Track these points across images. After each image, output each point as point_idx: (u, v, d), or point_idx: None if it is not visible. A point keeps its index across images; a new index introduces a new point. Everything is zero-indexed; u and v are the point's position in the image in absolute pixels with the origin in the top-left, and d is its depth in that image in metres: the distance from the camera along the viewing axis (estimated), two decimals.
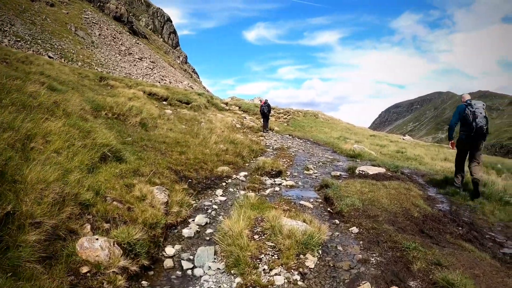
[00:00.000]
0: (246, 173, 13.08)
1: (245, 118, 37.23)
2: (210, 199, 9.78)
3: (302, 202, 9.59)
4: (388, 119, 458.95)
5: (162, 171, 10.03)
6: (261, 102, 33.49)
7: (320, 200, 10.00)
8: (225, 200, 9.80)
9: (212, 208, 9.06)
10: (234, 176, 12.66)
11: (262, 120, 31.16)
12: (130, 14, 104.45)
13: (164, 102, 30.88)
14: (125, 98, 21.37)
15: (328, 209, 9.17)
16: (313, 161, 17.14)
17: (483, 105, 10.48)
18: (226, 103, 43.35)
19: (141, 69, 76.63)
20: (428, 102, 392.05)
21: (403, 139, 47.39)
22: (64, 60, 56.23)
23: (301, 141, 26.54)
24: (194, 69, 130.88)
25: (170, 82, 78.99)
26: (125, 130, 13.52)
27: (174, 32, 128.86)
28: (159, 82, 72.76)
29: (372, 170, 13.63)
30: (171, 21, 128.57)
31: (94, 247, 5.13)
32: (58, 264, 4.71)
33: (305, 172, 14.15)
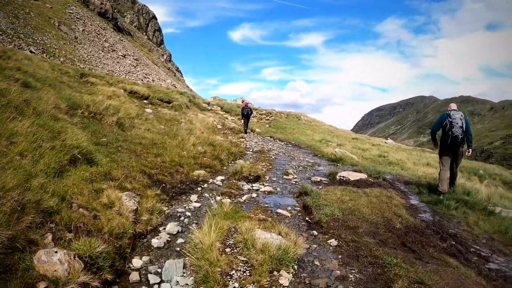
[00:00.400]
0: (223, 178, 12.66)
1: (226, 118, 36.94)
2: (184, 205, 9.33)
3: (279, 210, 9.15)
4: (371, 122, 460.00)
5: (135, 175, 9.57)
6: (243, 102, 34.61)
7: (299, 209, 9.56)
8: (200, 206, 9.33)
9: (185, 215, 8.61)
10: (211, 180, 12.23)
11: (243, 121, 31.66)
12: (115, 11, 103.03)
13: (145, 101, 30.38)
14: (104, 96, 20.82)
15: (307, 218, 8.73)
16: (293, 165, 16.79)
17: (461, 115, 11.31)
18: (208, 103, 42.98)
19: (124, 66, 75.67)
20: (410, 106, 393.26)
21: (385, 142, 47.31)
22: (46, 55, 55.15)
23: (282, 144, 26.26)
24: (178, 68, 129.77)
25: (153, 80, 78.26)
26: (101, 130, 12.99)
27: (159, 29, 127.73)
28: (142, 80, 71.66)
29: (354, 176, 13.30)
30: (156, 19, 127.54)
31: (52, 261, 4.69)
32: (14, 280, 4.28)
33: (285, 177, 13.76)
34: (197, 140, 16.69)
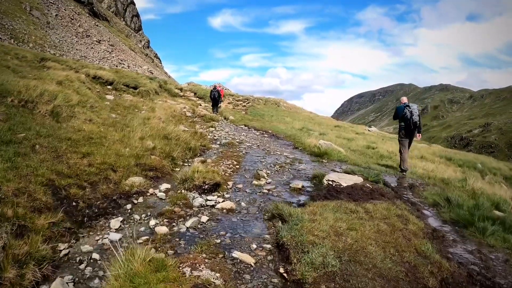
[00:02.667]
0: (169, 186, 8.94)
1: (200, 105, 33.95)
2: (96, 238, 5.87)
3: (237, 254, 5.48)
4: (351, 109, 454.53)
5: (34, 189, 6.18)
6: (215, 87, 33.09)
7: (269, 247, 5.95)
8: (120, 238, 5.82)
9: (90, 259, 5.20)
10: (151, 191, 8.53)
11: (211, 104, 32.21)
12: None
13: (109, 87, 27.53)
14: (53, 81, 17.99)
15: (281, 270, 5.14)
16: (268, 162, 13.15)
17: (417, 106, 13.74)
18: (181, 89, 39.55)
19: (98, 52, 72.74)
20: (390, 94, 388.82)
21: (369, 130, 44.23)
22: (14, 41, 52.47)
23: (257, 134, 22.37)
24: (156, 54, 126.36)
25: (128, 66, 75.52)
26: (27, 122, 9.92)
27: (137, 15, 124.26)
28: (117, 66, 69.53)
29: (346, 180, 9.86)
30: (134, 4, 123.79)
31: None
32: None
33: (254, 182, 10.06)
34: (150, 131, 13.26)
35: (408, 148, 14.23)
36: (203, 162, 11.44)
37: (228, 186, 9.44)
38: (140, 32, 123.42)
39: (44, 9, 72.15)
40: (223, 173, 10.48)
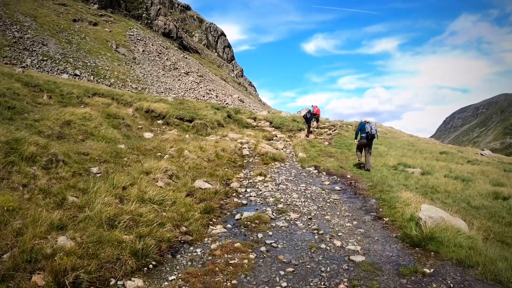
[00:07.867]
0: None
1: (275, 136, 27.49)
2: None
3: None
4: (453, 125, 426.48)
5: None
6: (313, 107, 33.66)
7: None
8: None
9: None
10: None
11: (306, 125, 30.92)
12: (182, 30, 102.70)
13: (160, 121, 23.13)
14: (57, 122, 14.58)
15: None
16: None
17: (374, 123, 16.82)
18: (255, 118, 33.31)
19: (185, 84, 71.49)
20: (494, 105, 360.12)
21: (482, 154, 35.33)
22: (94, 78, 52.71)
23: (327, 183, 13.95)
24: (250, 82, 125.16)
25: (216, 96, 73.56)
26: None
27: (229, 46, 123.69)
28: (204, 96, 68.93)
29: None
30: (225, 36, 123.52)
31: None
32: None
33: None
34: (107, 204, 7.08)
35: (368, 154, 16.68)
36: None
37: None
38: (233, 62, 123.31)
39: (131, 46, 73.45)
40: None
